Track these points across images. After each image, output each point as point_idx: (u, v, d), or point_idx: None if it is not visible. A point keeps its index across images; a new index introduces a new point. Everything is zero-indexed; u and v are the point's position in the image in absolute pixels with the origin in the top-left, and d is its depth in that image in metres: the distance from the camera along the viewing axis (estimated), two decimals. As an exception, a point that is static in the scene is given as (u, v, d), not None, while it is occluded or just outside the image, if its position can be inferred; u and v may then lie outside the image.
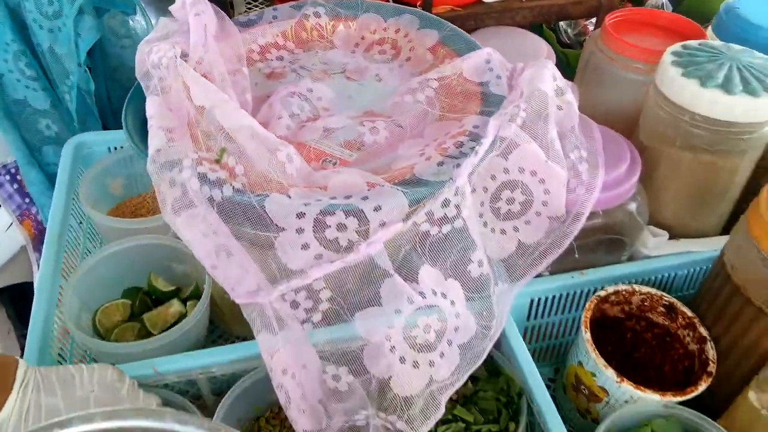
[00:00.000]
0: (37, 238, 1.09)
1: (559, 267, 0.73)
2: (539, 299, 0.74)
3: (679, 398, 0.64)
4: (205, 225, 0.56)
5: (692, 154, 0.74)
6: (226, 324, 0.84)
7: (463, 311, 0.61)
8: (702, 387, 0.64)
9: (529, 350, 0.67)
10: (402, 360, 0.57)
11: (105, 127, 1.04)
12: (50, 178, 1.03)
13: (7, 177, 1.05)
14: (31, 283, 1.11)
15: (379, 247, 0.55)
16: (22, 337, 1.21)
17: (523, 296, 0.72)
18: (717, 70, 0.71)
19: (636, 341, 0.76)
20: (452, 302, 0.60)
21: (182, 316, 0.75)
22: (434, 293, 0.58)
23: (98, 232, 0.89)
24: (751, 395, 0.61)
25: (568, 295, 0.75)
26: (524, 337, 0.72)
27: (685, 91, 0.70)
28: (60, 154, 0.90)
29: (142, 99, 0.64)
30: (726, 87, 0.69)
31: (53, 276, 0.74)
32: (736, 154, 0.73)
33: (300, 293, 0.56)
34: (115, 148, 0.92)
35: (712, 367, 0.66)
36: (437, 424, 0.61)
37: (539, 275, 0.71)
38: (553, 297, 0.74)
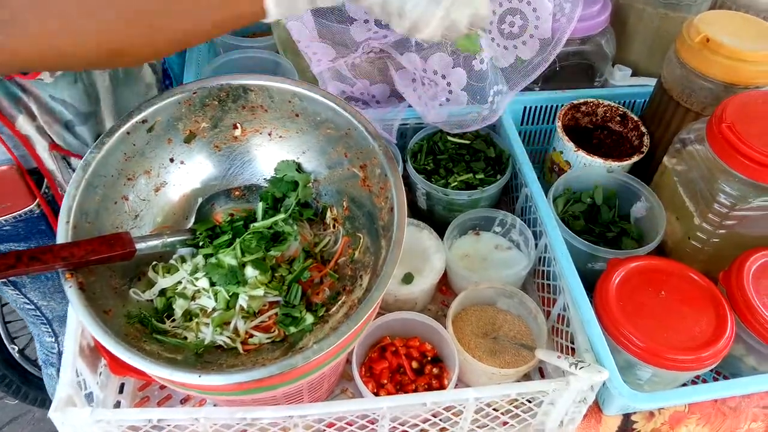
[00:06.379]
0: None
1: (546, 87, 1.02)
2: (531, 107, 1.02)
3: (618, 163, 0.92)
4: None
5: (652, 8, 1.01)
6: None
7: (458, 91, 0.91)
8: (635, 158, 0.93)
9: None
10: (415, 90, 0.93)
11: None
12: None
13: None
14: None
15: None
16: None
17: (518, 103, 1.01)
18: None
19: (600, 145, 1.05)
20: (448, 84, 0.90)
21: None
22: (435, 73, 0.89)
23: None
24: (665, 159, 0.89)
25: (552, 107, 1.03)
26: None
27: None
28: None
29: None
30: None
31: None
32: (683, 8, 0.99)
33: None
34: None
35: (644, 148, 0.94)
36: (456, 171, 0.93)
37: (531, 90, 1.00)
38: (541, 107, 1.03)
